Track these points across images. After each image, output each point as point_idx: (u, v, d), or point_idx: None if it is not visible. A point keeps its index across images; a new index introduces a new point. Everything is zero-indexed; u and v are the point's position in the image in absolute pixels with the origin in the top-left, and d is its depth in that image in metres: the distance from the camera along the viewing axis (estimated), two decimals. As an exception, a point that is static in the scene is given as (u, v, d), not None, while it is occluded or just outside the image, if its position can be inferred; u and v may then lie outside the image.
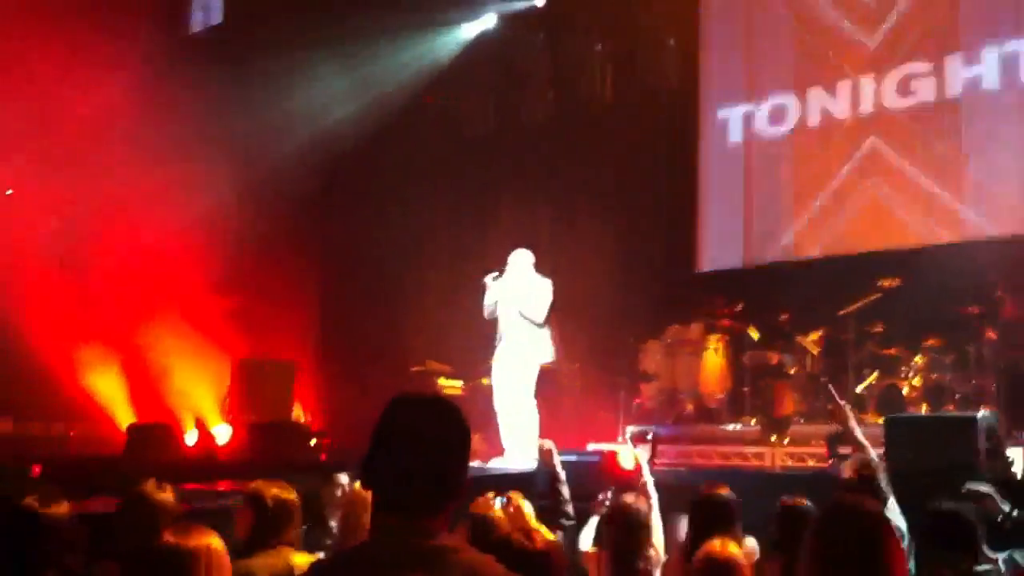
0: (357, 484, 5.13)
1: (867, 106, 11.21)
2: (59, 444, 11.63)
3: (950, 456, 6.67)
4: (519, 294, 9.37)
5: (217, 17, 15.37)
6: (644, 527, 4.59)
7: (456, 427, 2.35)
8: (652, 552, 4.63)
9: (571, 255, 13.27)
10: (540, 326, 9.27)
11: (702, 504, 4.71)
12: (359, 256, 14.78)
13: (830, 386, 5.83)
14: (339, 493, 5.63)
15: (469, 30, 14.16)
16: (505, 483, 7.22)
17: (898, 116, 10.96)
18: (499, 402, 9.53)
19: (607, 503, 5.44)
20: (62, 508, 3.44)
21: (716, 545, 3.97)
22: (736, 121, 12.27)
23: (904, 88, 10.94)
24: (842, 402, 5.71)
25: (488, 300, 9.37)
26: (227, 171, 13.52)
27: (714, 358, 10.76)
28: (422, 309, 14.22)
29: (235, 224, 13.36)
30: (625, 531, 4.52)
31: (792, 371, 10.40)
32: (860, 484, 4.56)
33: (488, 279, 9.35)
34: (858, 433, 5.40)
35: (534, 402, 9.40)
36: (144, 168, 12.78)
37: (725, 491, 4.84)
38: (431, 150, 14.76)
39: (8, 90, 12.15)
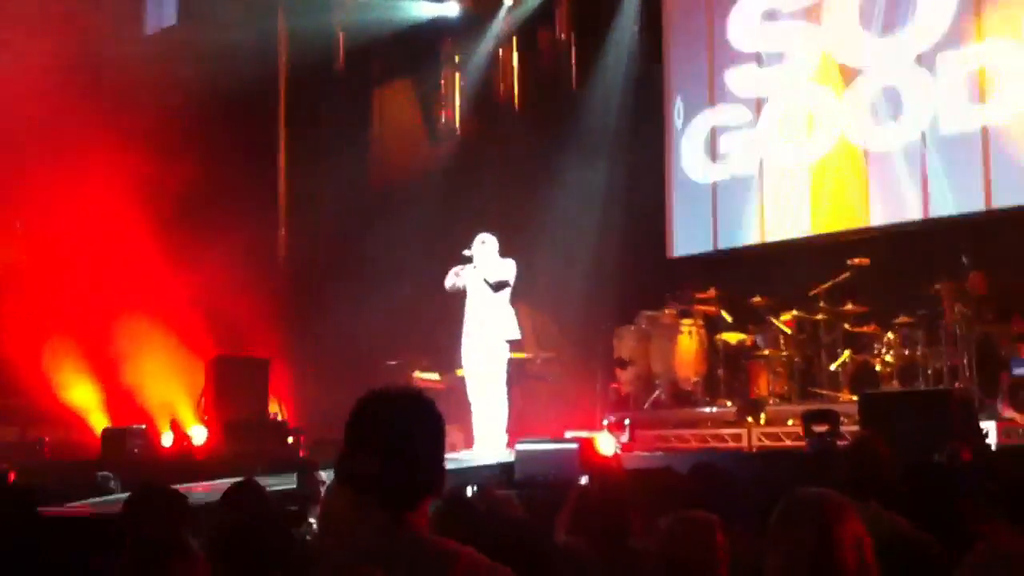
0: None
1: (833, 87, 11.27)
2: (33, 450, 11.53)
3: (925, 431, 6.73)
4: (489, 276, 9.43)
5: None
6: (627, 505, 4.57)
7: (429, 420, 2.34)
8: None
9: (543, 242, 13.29)
10: (494, 289, 9.32)
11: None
12: (327, 246, 14.73)
13: None
14: (321, 490, 5.64)
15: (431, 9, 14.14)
16: (481, 474, 7.24)
17: (862, 95, 11.00)
18: (473, 391, 9.57)
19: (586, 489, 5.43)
20: None
21: None
22: (701, 107, 12.32)
23: (864, 67, 11.00)
24: None
25: (451, 280, 9.43)
26: (188, 169, 13.44)
27: (688, 342, 10.81)
28: (394, 299, 14.18)
29: (200, 221, 13.24)
30: (608, 512, 4.51)
31: (766, 352, 10.47)
32: None
33: (462, 264, 9.43)
34: None
35: (506, 391, 9.46)
36: (106, 167, 12.69)
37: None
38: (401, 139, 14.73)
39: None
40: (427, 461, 2.31)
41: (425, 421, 2.33)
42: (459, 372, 11.13)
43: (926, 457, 4.62)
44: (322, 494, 5.52)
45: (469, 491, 4.76)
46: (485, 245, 9.50)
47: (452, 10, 14.16)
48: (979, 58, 10.21)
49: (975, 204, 10.14)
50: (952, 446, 5.35)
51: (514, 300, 9.63)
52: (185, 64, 13.67)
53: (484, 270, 9.38)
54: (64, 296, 12.86)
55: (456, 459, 8.83)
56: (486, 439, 9.32)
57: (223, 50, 13.38)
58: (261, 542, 3.15)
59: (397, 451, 2.27)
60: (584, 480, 5.93)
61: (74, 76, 12.28)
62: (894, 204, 10.74)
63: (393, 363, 12.39)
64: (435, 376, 12.00)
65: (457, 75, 14.49)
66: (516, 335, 9.59)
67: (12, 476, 6.64)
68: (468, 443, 9.60)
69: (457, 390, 11.10)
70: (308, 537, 5.13)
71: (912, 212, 10.58)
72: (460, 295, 9.59)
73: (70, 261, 12.98)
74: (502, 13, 13.89)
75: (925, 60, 10.56)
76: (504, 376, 9.47)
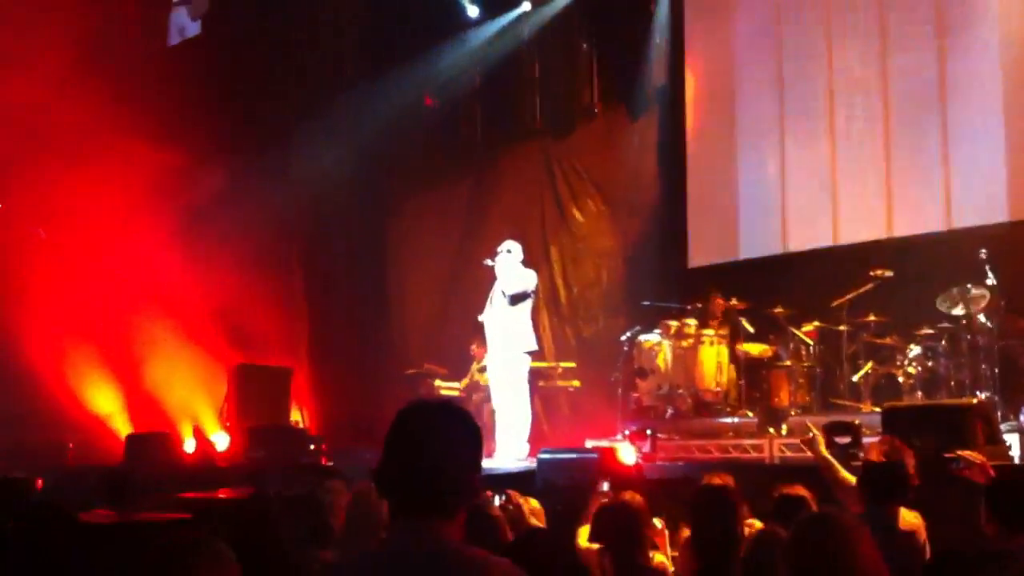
0: (362, 487, 5.14)
1: (857, 97, 11.26)
2: (58, 455, 11.61)
3: (947, 443, 6.70)
4: (507, 288, 9.46)
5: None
6: (642, 521, 4.60)
7: (466, 430, 2.39)
8: (655, 546, 4.65)
9: (566, 253, 13.33)
10: (512, 302, 9.35)
11: (703, 493, 4.74)
12: (347, 255, 14.80)
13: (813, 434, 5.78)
14: (332, 499, 5.64)
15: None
16: (503, 482, 7.27)
17: (887, 106, 10.98)
18: (497, 400, 9.60)
19: (605, 499, 5.46)
20: None
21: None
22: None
23: (892, 79, 10.98)
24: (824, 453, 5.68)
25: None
26: (211, 175, 13.55)
27: (709, 352, 10.79)
28: (413, 308, 14.25)
29: (221, 230, 13.33)
30: (624, 525, 4.54)
31: (788, 363, 10.44)
32: (887, 468, 4.57)
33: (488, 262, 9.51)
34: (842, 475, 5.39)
35: (528, 400, 9.49)
36: (129, 175, 12.80)
37: (726, 480, 4.87)
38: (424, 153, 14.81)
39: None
40: (463, 470, 2.35)
41: (461, 431, 2.39)
42: (477, 377, 11.20)
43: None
44: (343, 501, 5.54)
45: (497, 500, 4.80)
46: (511, 254, 9.53)
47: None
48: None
49: (997, 216, 10.10)
50: (964, 459, 5.35)
51: (537, 309, 9.68)
52: (207, 73, 13.80)
53: (503, 282, 9.41)
54: (88, 303, 12.97)
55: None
56: (508, 448, 9.35)
57: (243, 60, 13.52)
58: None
59: (433, 461, 2.32)
60: (605, 486, 5.95)
61: (97, 85, 12.39)
62: (918, 214, 10.71)
63: (412, 372, 12.43)
64: (456, 384, 12.04)
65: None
66: (534, 347, 9.59)
67: (40, 483, 6.70)
68: (489, 452, 9.63)
69: (477, 399, 11.18)
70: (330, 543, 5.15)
71: (935, 223, 10.55)
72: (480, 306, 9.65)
73: (94, 268, 13.10)
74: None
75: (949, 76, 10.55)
76: (526, 386, 9.51)
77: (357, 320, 14.40)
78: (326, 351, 14.48)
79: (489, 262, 9.50)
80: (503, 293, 9.42)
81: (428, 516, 2.29)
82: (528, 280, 9.51)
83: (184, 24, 15.12)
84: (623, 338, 11.10)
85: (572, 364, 12.26)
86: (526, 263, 9.79)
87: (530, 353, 9.59)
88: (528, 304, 9.55)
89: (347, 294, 14.63)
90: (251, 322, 13.36)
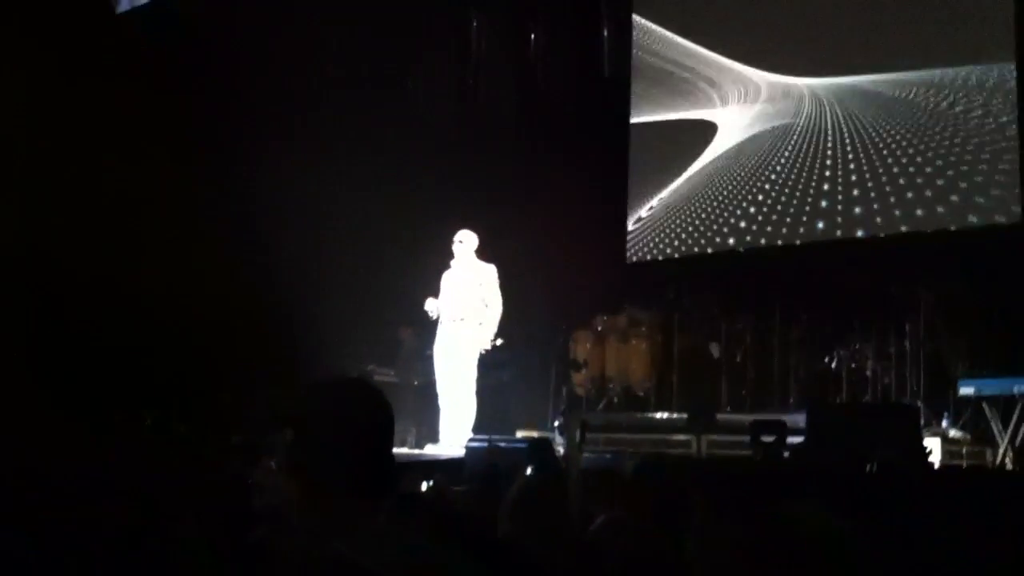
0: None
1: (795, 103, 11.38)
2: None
3: (872, 444, 6.80)
4: (466, 279, 9.27)
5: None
6: (567, 498, 4.58)
7: (380, 409, 2.34)
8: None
9: (505, 242, 13.25)
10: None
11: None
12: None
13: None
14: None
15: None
16: (433, 468, 7.27)
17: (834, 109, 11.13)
18: (441, 389, 9.43)
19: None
20: None
21: None
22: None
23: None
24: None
25: (432, 304, 9.28)
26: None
27: (643, 347, 10.86)
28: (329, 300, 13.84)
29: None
30: (551, 504, 4.52)
31: (720, 360, 10.54)
32: None
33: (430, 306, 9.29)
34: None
35: (474, 389, 9.32)
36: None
37: None
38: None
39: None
40: (384, 450, 2.30)
41: (376, 410, 2.33)
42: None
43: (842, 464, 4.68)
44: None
45: (424, 486, 4.77)
46: (463, 244, 9.31)
47: None
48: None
49: (930, 224, 10.26)
50: (884, 457, 5.43)
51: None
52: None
53: (463, 272, 9.21)
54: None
55: (416, 454, 8.82)
56: (451, 436, 9.19)
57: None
58: None
59: (352, 440, 2.26)
60: (528, 471, 5.94)
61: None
62: (851, 218, 10.85)
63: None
64: (390, 371, 11.88)
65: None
66: (487, 345, 9.42)
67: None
68: (433, 438, 9.52)
69: (416, 386, 11.00)
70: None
71: (868, 228, 10.69)
72: (435, 289, 9.42)
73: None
74: None
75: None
76: (474, 374, 9.35)
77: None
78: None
79: (430, 310, 9.29)
80: (483, 302, 9.18)
81: (351, 497, 2.26)
82: (494, 279, 9.30)
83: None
84: (559, 330, 11.11)
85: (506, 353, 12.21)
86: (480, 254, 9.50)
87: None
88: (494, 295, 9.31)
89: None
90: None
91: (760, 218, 11.42)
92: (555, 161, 12.86)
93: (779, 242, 11.21)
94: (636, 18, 12.86)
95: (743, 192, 11.66)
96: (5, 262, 8.91)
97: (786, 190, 11.30)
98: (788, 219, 11.21)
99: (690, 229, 12.01)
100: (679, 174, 12.23)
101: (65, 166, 9.66)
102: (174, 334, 9.82)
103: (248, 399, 9.65)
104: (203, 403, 9.57)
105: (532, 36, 13.59)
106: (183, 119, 10.35)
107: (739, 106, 11.88)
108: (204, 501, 4.31)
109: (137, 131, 9.98)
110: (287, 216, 10.70)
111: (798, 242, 11.06)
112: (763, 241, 11.33)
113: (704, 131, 12.15)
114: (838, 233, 10.81)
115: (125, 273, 9.57)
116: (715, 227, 11.80)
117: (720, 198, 11.83)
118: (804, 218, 11.09)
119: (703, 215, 11.94)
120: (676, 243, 12.12)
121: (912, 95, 10.51)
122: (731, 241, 11.63)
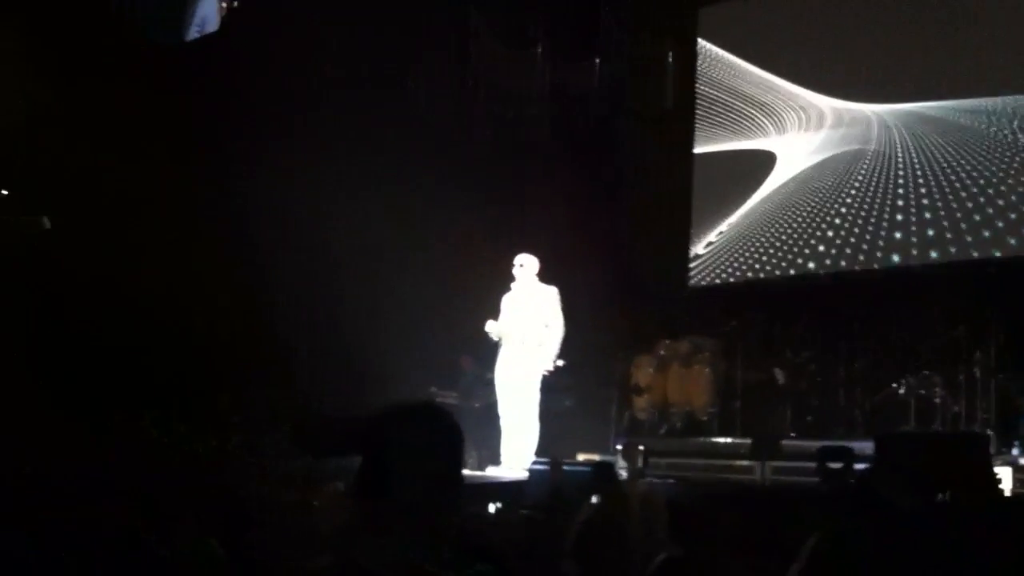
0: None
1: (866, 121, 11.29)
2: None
3: (943, 472, 6.69)
4: (529, 302, 9.28)
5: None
6: (627, 535, 4.59)
7: (452, 432, 2.35)
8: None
9: (565, 267, 13.23)
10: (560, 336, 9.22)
11: None
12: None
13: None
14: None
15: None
16: (496, 491, 7.26)
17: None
18: (503, 411, 9.47)
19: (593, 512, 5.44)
20: None
21: None
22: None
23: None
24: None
25: (493, 327, 9.29)
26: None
27: (706, 373, 10.78)
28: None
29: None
30: (613, 538, 4.54)
31: (784, 387, 10.43)
32: None
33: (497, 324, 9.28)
34: None
35: (538, 412, 9.29)
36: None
37: None
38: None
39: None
40: (450, 474, 2.30)
41: (444, 434, 2.33)
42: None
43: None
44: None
45: (491, 508, 4.78)
46: (524, 268, 9.33)
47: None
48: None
49: (1001, 250, 10.11)
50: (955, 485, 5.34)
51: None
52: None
53: (525, 295, 9.23)
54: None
55: (478, 476, 8.79)
56: (512, 458, 9.18)
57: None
58: None
59: (417, 465, 2.25)
60: (594, 500, 5.93)
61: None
62: (921, 245, 10.71)
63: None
64: (454, 393, 11.87)
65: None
66: (549, 367, 9.36)
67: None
68: (494, 460, 9.49)
69: (478, 409, 10.97)
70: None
71: (937, 254, 10.55)
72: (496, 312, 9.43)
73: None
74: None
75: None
76: (538, 397, 9.29)
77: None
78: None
79: (490, 331, 9.25)
80: (546, 326, 9.19)
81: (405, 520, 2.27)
82: (557, 302, 9.31)
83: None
84: (620, 355, 11.08)
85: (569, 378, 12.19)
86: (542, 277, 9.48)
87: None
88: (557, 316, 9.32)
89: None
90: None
91: (839, 242, 11.31)
92: (615, 188, 12.89)
93: (856, 267, 11.09)
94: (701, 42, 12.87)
95: (820, 217, 11.55)
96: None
97: (862, 214, 11.18)
98: (864, 245, 11.10)
99: (766, 255, 11.91)
100: (742, 202, 12.16)
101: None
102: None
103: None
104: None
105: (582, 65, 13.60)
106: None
107: (799, 133, 11.81)
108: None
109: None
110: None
111: (876, 266, 10.94)
112: (843, 264, 11.21)
113: (764, 159, 12.10)
114: (913, 252, 10.68)
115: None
116: (795, 250, 11.69)
117: (796, 223, 11.73)
118: (880, 242, 10.97)
119: (777, 241, 11.83)
120: (744, 268, 12.05)
121: (975, 123, 10.37)
122: (811, 265, 11.52)
